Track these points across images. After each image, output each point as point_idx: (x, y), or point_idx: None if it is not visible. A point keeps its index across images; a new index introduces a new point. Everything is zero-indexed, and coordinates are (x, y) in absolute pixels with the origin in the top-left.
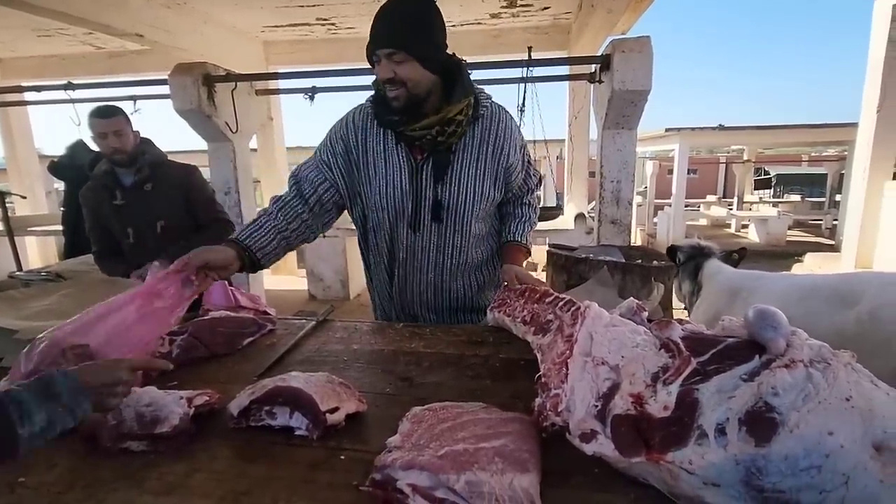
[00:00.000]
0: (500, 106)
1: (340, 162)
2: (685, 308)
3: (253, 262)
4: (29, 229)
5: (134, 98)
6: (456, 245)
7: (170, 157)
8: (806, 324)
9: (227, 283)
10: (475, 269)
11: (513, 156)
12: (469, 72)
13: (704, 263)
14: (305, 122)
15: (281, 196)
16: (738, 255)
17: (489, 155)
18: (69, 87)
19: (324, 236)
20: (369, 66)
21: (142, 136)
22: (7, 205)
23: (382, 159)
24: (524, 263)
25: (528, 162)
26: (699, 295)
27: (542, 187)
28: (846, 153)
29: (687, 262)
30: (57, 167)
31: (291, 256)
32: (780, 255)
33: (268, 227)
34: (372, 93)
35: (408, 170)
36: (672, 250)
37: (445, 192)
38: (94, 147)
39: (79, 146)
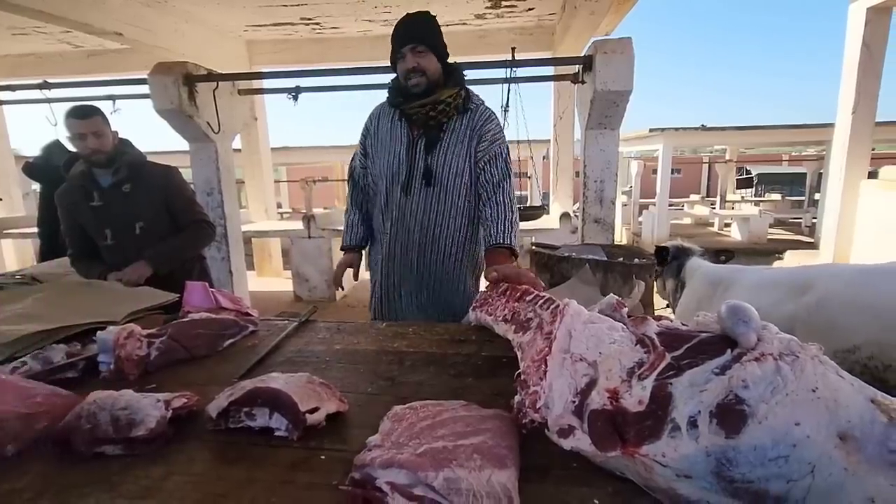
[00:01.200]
0: (489, 108)
1: (367, 145)
2: (668, 305)
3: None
4: (5, 232)
5: (113, 98)
6: (439, 211)
7: (151, 158)
8: (770, 312)
9: (206, 284)
10: (454, 241)
11: (487, 143)
12: (464, 74)
13: (686, 261)
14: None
15: (349, 193)
16: (726, 257)
17: (469, 139)
18: (44, 86)
19: (310, 237)
20: (353, 67)
21: (121, 136)
22: None
23: (388, 134)
24: (514, 264)
25: (497, 153)
26: (682, 291)
27: (528, 187)
28: (824, 153)
29: (671, 261)
30: (32, 168)
31: (277, 258)
32: (762, 253)
33: (357, 223)
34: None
35: (405, 142)
36: (661, 250)
37: (434, 162)
38: (71, 148)
39: (54, 147)
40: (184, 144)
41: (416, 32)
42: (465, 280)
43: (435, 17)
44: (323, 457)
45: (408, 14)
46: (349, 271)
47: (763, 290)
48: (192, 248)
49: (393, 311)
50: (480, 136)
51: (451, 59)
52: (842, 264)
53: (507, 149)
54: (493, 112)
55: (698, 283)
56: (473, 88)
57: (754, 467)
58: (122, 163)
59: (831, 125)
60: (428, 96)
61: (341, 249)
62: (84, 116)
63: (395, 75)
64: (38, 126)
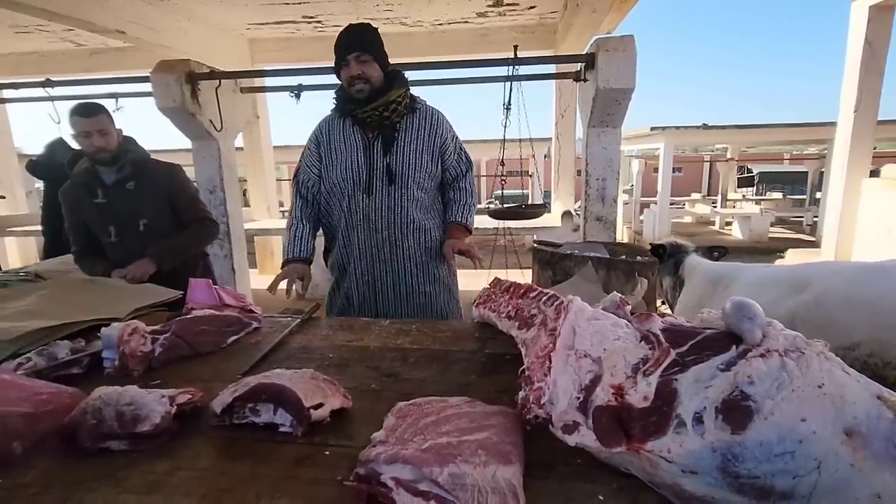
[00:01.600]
0: (433, 107)
1: (315, 157)
2: (663, 302)
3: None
4: (8, 230)
5: (115, 96)
6: (403, 206)
7: (153, 156)
8: (770, 310)
9: (210, 280)
10: (423, 233)
11: (448, 140)
12: (406, 77)
13: (685, 259)
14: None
15: (297, 205)
16: (718, 253)
17: (426, 135)
18: (48, 84)
19: None
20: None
21: (124, 134)
22: None
23: (342, 142)
24: (465, 239)
25: (460, 148)
26: (681, 289)
27: (530, 186)
28: (826, 151)
29: (667, 259)
30: (35, 166)
31: (279, 256)
32: (763, 252)
33: (307, 237)
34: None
35: (362, 146)
36: (658, 248)
37: (393, 161)
38: (75, 145)
39: (57, 144)
40: (186, 142)
41: (360, 42)
42: (438, 266)
43: (377, 29)
44: (327, 452)
45: (350, 25)
46: (297, 284)
47: (763, 287)
48: (195, 245)
49: (375, 308)
50: (440, 133)
51: (453, 58)
52: (841, 262)
53: (458, 138)
54: (438, 110)
55: (698, 281)
56: (475, 87)
57: (760, 463)
58: (126, 160)
59: (833, 124)
60: (370, 102)
61: (286, 261)
62: (89, 115)
63: (339, 85)
64: (42, 124)
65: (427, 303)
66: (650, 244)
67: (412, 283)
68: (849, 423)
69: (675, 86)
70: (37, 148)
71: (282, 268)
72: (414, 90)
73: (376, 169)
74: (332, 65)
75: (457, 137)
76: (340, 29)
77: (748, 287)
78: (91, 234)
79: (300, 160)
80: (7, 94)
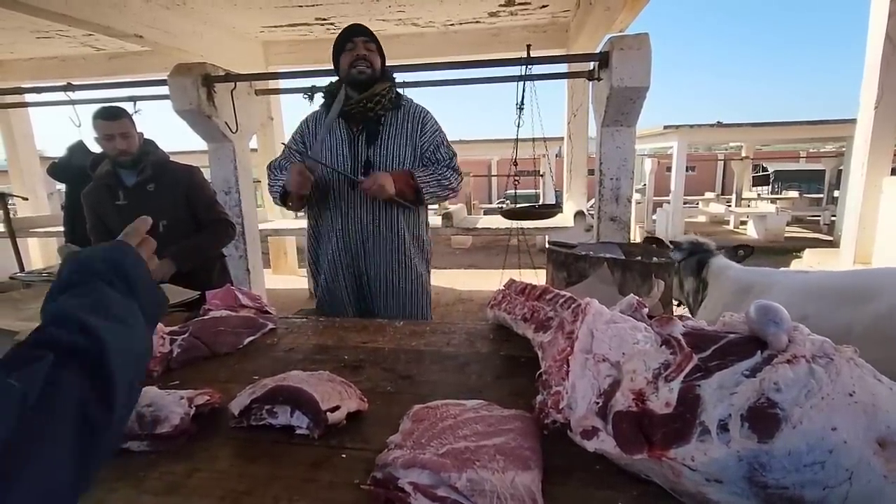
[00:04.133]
0: (420, 106)
1: (300, 145)
2: (678, 304)
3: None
4: (31, 231)
5: (134, 99)
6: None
7: (172, 159)
8: (817, 321)
9: (230, 283)
10: (402, 223)
11: (429, 135)
12: (394, 76)
13: (710, 260)
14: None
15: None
16: (745, 252)
17: (409, 131)
18: (69, 87)
19: None
20: None
21: (145, 136)
22: (9, 206)
23: (329, 137)
24: (397, 189)
25: (447, 146)
26: (704, 293)
27: (542, 185)
28: (844, 149)
29: (687, 258)
30: (56, 169)
31: (293, 256)
32: (779, 252)
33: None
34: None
35: (347, 139)
36: (674, 246)
37: (375, 154)
38: (94, 148)
39: (77, 147)
40: (202, 144)
41: (366, 32)
42: (416, 265)
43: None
44: (344, 455)
45: (353, 24)
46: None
47: (806, 296)
48: (214, 245)
49: (357, 302)
50: (422, 127)
51: (465, 58)
52: None
53: (445, 135)
54: (423, 108)
55: (726, 288)
56: (486, 86)
57: (789, 473)
58: (146, 162)
59: (851, 121)
60: (367, 88)
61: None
62: (113, 118)
63: (328, 83)
64: (63, 127)
65: (406, 302)
66: (670, 241)
67: (391, 277)
68: (881, 433)
69: (689, 83)
70: (59, 151)
71: (284, 204)
72: (426, 90)
73: (359, 162)
74: None
75: (437, 131)
76: None
77: (788, 295)
78: (111, 235)
79: (283, 150)
80: (29, 97)
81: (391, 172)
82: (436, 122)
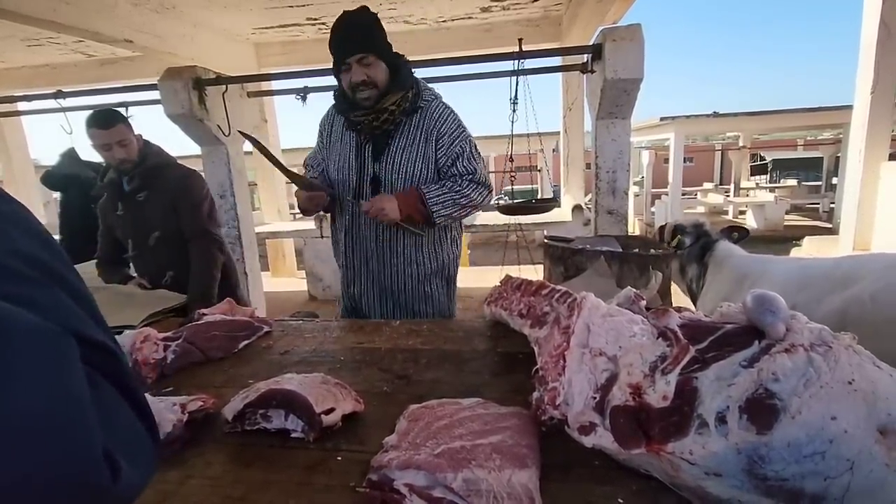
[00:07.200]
0: (444, 104)
1: (322, 145)
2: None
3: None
4: None
5: (125, 104)
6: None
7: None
8: (812, 308)
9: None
10: (413, 247)
11: (446, 145)
12: (412, 69)
13: (715, 245)
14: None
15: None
16: (738, 235)
17: (422, 141)
18: (59, 95)
19: (322, 237)
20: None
21: (144, 139)
22: None
23: (339, 139)
24: (404, 213)
25: (468, 156)
26: (705, 279)
27: (539, 180)
28: (841, 136)
29: (692, 243)
30: (48, 178)
31: (291, 258)
32: (779, 240)
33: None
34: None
35: (354, 147)
36: (678, 229)
37: (382, 169)
38: (86, 155)
39: (68, 155)
40: (196, 148)
41: (361, 39)
42: (431, 285)
43: (376, 15)
44: (340, 458)
45: (346, 13)
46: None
47: (801, 282)
48: (211, 272)
49: (379, 312)
50: (437, 137)
51: (457, 54)
52: (893, 254)
53: (471, 143)
54: (447, 108)
55: (724, 277)
56: (478, 83)
57: (788, 464)
58: (135, 172)
59: (848, 108)
60: (378, 104)
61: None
62: (106, 126)
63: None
64: (56, 136)
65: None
66: (674, 225)
67: (401, 299)
68: (882, 421)
69: (683, 74)
70: (53, 160)
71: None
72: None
73: (365, 175)
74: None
75: (458, 139)
76: None
77: (782, 283)
78: (117, 243)
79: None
80: (21, 106)
81: (398, 193)
82: (458, 126)
